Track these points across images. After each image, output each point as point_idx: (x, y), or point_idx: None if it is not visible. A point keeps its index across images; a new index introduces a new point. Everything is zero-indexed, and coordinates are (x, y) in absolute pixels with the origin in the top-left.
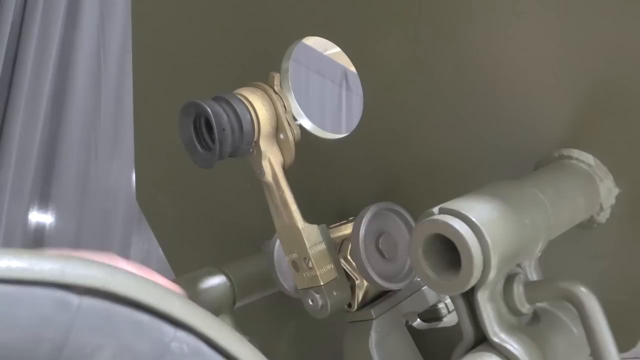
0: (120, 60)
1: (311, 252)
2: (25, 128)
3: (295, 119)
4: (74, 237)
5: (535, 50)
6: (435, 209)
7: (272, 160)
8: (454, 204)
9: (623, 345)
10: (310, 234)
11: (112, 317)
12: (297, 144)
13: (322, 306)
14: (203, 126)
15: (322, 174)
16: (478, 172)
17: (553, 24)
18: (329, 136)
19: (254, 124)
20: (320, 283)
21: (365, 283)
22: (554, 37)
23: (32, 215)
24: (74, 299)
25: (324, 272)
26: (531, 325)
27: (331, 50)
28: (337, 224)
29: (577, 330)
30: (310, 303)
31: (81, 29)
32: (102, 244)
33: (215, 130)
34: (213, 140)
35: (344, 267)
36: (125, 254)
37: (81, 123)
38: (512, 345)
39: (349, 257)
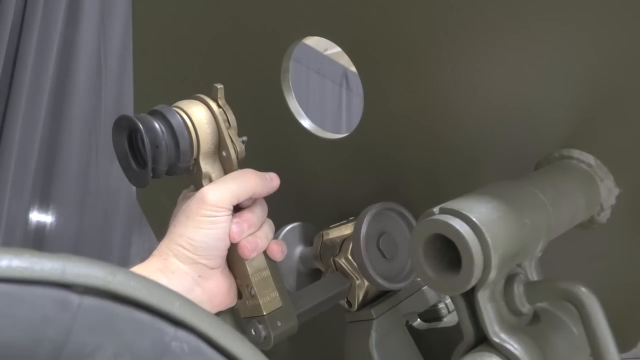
0: (120, 60)
1: (253, 279)
2: (25, 128)
3: (239, 136)
4: (74, 236)
5: (536, 50)
6: (436, 209)
7: (214, 179)
8: (454, 204)
9: (623, 346)
10: (253, 259)
11: (112, 317)
12: (241, 162)
13: (265, 337)
14: (140, 142)
15: (322, 174)
16: (478, 172)
17: (553, 24)
18: (329, 136)
19: (192, 140)
20: (263, 313)
21: (366, 283)
22: (554, 37)
23: (32, 215)
24: (74, 298)
25: (267, 301)
26: (531, 325)
27: (331, 50)
28: (337, 224)
29: (577, 330)
30: (253, 333)
31: (82, 28)
32: (102, 244)
33: (148, 147)
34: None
35: (345, 267)
36: (125, 253)
37: (81, 123)
38: (513, 345)
39: (349, 257)
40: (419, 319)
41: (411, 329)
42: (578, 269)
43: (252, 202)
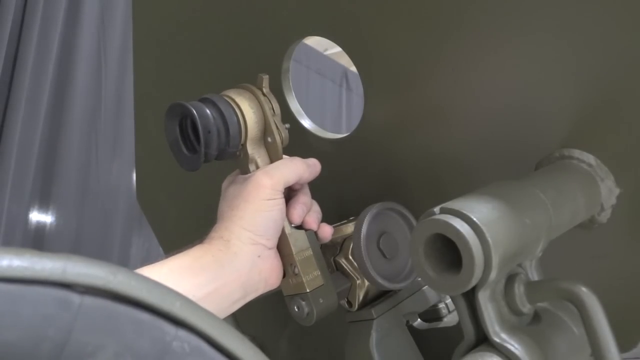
0: (120, 60)
1: (297, 258)
2: (25, 128)
3: (283, 122)
4: (74, 236)
5: (536, 50)
6: (436, 209)
7: (260, 164)
8: (455, 204)
9: (624, 345)
10: (297, 239)
11: (113, 316)
12: (285, 148)
13: (307, 313)
14: (189, 128)
15: (322, 174)
16: (479, 172)
17: (553, 24)
18: (329, 136)
19: (241, 126)
20: (306, 290)
21: (366, 283)
22: (554, 37)
23: (32, 215)
24: (75, 297)
25: (310, 278)
26: (532, 325)
27: (331, 50)
28: (338, 223)
29: (578, 330)
30: (296, 310)
31: (81, 28)
32: (102, 244)
33: (201, 133)
34: (199, 143)
35: (345, 267)
36: (125, 253)
37: (81, 123)
38: (513, 345)
39: (350, 257)
40: (419, 319)
41: (411, 329)
42: (579, 269)
43: (300, 186)
